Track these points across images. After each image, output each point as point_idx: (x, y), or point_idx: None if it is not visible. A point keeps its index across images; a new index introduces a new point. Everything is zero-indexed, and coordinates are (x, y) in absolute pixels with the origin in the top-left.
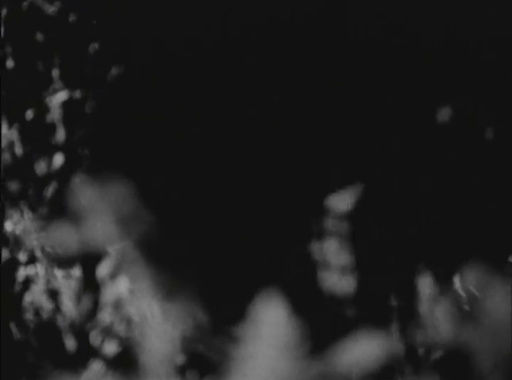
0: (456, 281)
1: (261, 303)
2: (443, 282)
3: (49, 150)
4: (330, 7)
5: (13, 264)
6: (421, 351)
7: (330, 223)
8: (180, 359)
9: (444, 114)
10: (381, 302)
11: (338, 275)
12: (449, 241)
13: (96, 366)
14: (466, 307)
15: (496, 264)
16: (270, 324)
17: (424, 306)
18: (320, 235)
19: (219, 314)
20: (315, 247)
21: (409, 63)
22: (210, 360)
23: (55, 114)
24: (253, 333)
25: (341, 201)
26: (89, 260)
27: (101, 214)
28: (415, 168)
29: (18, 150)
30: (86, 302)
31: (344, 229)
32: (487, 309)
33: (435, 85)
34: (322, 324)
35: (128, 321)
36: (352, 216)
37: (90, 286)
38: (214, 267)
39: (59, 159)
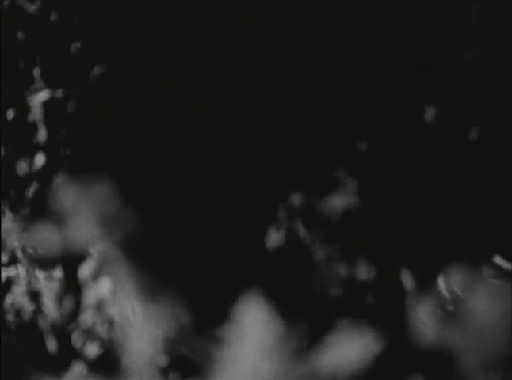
0: (440, 282)
1: (244, 304)
2: (427, 282)
3: (30, 150)
4: (326, 9)
5: None
6: (404, 351)
7: (315, 220)
8: (162, 361)
9: (429, 114)
10: (365, 301)
11: (322, 275)
12: (433, 241)
13: (77, 368)
14: (450, 308)
15: (480, 265)
16: (253, 326)
17: (408, 306)
18: (305, 233)
19: (202, 315)
20: (298, 247)
21: (395, 64)
22: (193, 362)
23: (36, 113)
24: (236, 335)
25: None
26: (70, 261)
27: (83, 214)
28: (400, 168)
29: None
30: (68, 304)
31: (329, 228)
32: (471, 310)
33: (422, 86)
34: (305, 325)
35: (110, 323)
36: (339, 215)
37: (72, 287)
38: (197, 268)
39: (40, 159)
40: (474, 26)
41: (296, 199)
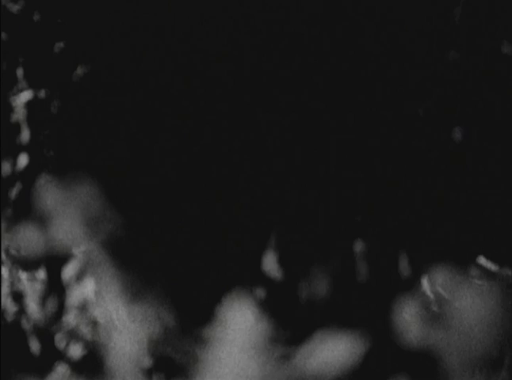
0: (425, 282)
1: (230, 305)
2: (411, 283)
3: (14, 151)
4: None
5: None
6: (389, 351)
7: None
8: (146, 362)
9: (413, 114)
10: (350, 302)
11: (304, 276)
12: (418, 242)
13: (61, 369)
14: (434, 308)
15: (464, 266)
16: (238, 326)
17: (393, 307)
18: (292, 235)
19: (186, 316)
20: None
21: (380, 64)
22: (177, 362)
23: (19, 114)
24: (221, 335)
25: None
26: (54, 261)
27: (66, 215)
28: (382, 167)
29: None
30: (51, 305)
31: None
32: (455, 311)
33: (405, 86)
34: (290, 326)
35: (94, 324)
36: (321, 218)
37: (55, 288)
38: (182, 268)
39: (23, 160)
40: (458, 26)
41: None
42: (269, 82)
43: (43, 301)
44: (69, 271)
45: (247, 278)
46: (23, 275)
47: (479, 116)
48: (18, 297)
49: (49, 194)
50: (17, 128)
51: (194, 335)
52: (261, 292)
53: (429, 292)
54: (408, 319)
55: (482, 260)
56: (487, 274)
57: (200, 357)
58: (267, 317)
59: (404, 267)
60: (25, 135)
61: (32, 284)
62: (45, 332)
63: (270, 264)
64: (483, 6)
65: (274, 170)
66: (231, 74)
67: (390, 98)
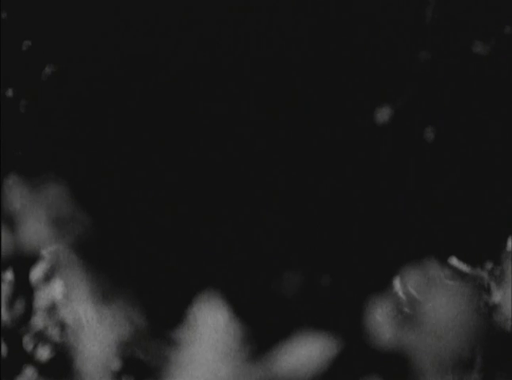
0: (396, 283)
1: (201, 306)
2: (383, 284)
3: None
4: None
5: None
6: (361, 353)
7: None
8: (116, 365)
9: (383, 114)
10: (322, 304)
11: (279, 276)
12: (389, 243)
13: (29, 372)
14: (406, 309)
15: (436, 267)
16: (210, 328)
17: (365, 309)
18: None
19: (157, 318)
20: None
21: (348, 64)
22: (148, 365)
23: None
24: (192, 337)
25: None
26: (22, 263)
27: (34, 216)
28: (353, 168)
29: None
30: (19, 307)
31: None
32: (427, 312)
33: (374, 86)
34: (263, 327)
35: (63, 326)
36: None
37: (23, 290)
38: (152, 269)
39: None
40: (428, 26)
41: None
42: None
43: (10, 303)
44: (37, 273)
45: (219, 279)
46: None
47: (451, 116)
48: None
49: (17, 195)
50: None
51: (165, 336)
52: (232, 293)
53: (401, 293)
54: (380, 320)
55: (454, 261)
56: (458, 275)
57: (171, 359)
58: (239, 318)
59: (376, 268)
60: None
61: None
62: (13, 335)
63: (243, 264)
64: (454, 6)
65: (245, 169)
66: (196, 69)
67: (361, 99)
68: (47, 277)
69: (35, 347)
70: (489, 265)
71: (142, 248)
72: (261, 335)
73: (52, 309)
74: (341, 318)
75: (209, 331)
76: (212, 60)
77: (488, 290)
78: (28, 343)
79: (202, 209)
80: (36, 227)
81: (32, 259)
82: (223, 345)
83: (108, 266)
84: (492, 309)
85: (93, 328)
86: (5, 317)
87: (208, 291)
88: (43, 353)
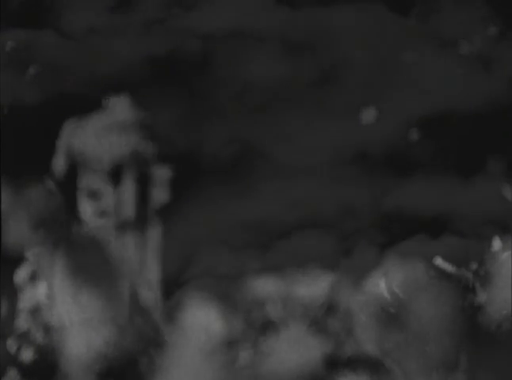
0: (382, 283)
1: (186, 308)
2: (368, 284)
3: None
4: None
5: None
6: (347, 352)
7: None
8: (100, 366)
9: (368, 114)
10: (308, 306)
11: (266, 279)
12: (374, 242)
13: (12, 374)
14: (391, 309)
15: (421, 267)
16: (197, 330)
17: (351, 310)
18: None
19: (142, 319)
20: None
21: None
22: (132, 366)
23: None
24: (177, 338)
25: None
26: (6, 265)
27: (18, 218)
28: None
29: None
30: (3, 308)
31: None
32: (412, 312)
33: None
34: (249, 330)
35: (46, 327)
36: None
37: (7, 291)
38: (136, 270)
39: None
40: (413, 27)
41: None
42: None
43: None
44: (21, 275)
45: (205, 281)
46: None
47: (434, 117)
48: None
49: (1, 197)
50: None
51: (150, 338)
52: (221, 295)
53: (386, 293)
54: (365, 321)
55: (438, 261)
56: (443, 275)
57: (157, 360)
58: (226, 321)
59: (362, 268)
60: None
61: None
62: None
63: (225, 264)
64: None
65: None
66: None
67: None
68: (31, 279)
69: (18, 348)
70: (474, 266)
71: (126, 248)
72: (247, 337)
73: (36, 310)
74: (328, 320)
75: (195, 332)
76: None
77: (473, 291)
78: (11, 345)
79: (193, 209)
80: (20, 229)
81: (16, 261)
82: (208, 347)
83: (92, 267)
84: (477, 309)
85: (77, 330)
86: None
87: (196, 293)
88: (27, 355)
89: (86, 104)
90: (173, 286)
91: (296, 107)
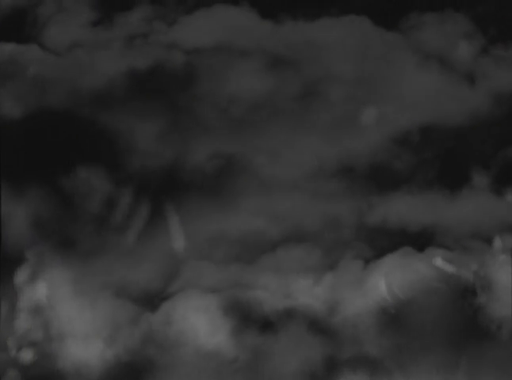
0: (382, 285)
1: (186, 308)
2: (369, 286)
3: None
4: None
5: None
6: (349, 353)
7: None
8: (101, 366)
9: (368, 115)
10: (308, 308)
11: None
12: (373, 244)
13: (12, 374)
14: (392, 310)
15: (421, 268)
16: (195, 330)
17: (350, 310)
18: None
19: (141, 320)
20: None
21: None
22: (132, 366)
23: None
24: (177, 339)
25: None
26: (6, 265)
27: (18, 219)
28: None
29: None
30: (3, 309)
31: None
32: (412, 313)
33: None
34: (249, 330)
35: (47, 328)
36: None
37: (8, 292)
38: (135, 269)
39: None
40: (397, 42)
41: None
42: None
43: None
44: (21, 275)
45: (204, 282)
46: None
47: (426, 119)
48: None
49: (0, 198)
50: None
51: (150, 338)
52: (219, 295)
53: (386, 295)
54: (367, 321)
55: (438, 262)
56: (443, 276)
57: (156, 360)
58: (223, 321)
59: (361, 270)
60: None
61: None
62: None
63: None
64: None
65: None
66: None
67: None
68: (32, 279)
69: (19, 349)
70: (474, 266)
71: (125, 247)
72: (247, 338)
73: (36, 311)
74: (327, 322)
75: (195, 334)
76: None
77: (473, 291)
78: (12, 345)
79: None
80: (19, 230)
81: (16, 261)
82: (207, 348)
83: (92, 267)
84: (477, 309)
85: (77, 330)
86: None
87: (194, 293)
88: (27, 355)
89: (70, 117)
90: (158, 300)
91: (279, 121)
